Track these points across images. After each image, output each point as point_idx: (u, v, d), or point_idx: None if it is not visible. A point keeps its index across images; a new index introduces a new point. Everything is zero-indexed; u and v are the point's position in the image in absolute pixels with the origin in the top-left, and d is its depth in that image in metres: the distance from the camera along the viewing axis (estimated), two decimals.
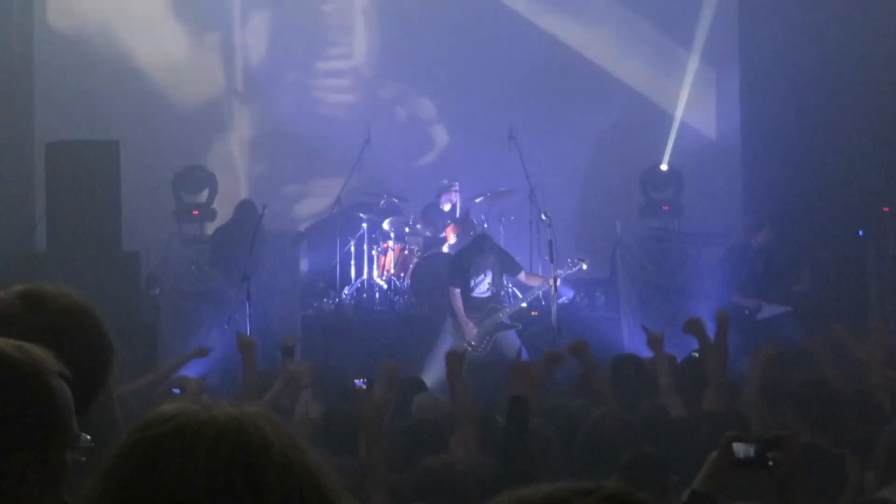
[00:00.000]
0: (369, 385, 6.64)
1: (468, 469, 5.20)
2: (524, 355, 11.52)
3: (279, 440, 1.66)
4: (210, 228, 14.09)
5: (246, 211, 12.50)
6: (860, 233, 13.34)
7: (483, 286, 11.85)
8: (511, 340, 11.75)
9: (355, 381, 6.69)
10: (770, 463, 3.37)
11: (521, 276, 12.07)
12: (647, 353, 7.55)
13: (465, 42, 15.65)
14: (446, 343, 11.56)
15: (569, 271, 11.77)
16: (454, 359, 6.68)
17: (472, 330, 11.69)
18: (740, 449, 3.37)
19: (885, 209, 13.17)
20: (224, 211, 13.93)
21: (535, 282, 12.14)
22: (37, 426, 1.95)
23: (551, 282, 11.61)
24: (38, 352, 2.01)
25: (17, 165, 13.52)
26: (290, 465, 1.65)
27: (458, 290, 11.75)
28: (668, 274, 13.28)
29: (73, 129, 12.84)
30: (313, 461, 1.68)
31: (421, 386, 8.19)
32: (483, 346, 11.69)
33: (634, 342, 11.39)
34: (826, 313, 11.90)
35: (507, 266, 11.97)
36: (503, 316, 11.83)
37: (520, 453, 4.94)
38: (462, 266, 11.90)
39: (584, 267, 11.78)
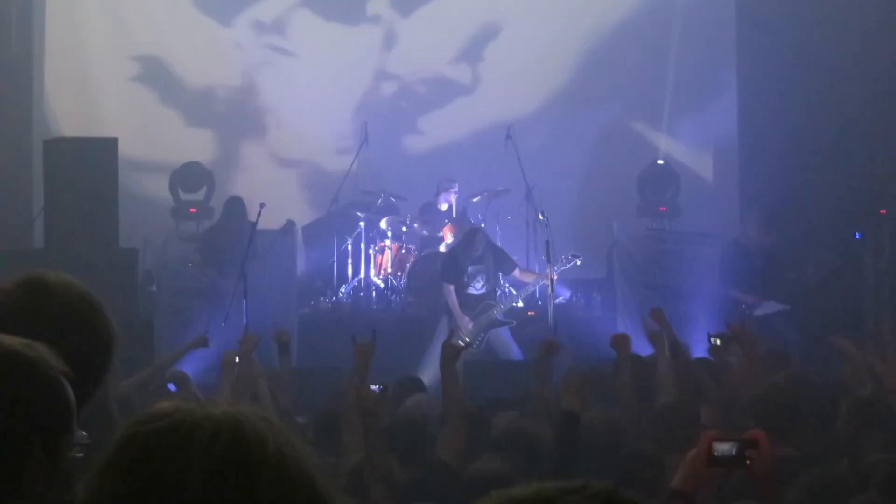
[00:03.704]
0: (384, 391, 6.55)
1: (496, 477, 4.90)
2: (517, 354, 11.52)
3: (275, 439, 1.67)
4: (208, 226, 14.08)
5: (234, 207, 12.49)
6: (857, 235, 13.34)
7: (478, 283, 11.83)
8: (505, 339, 11.74)
9: (371, 386, 6.60)
10: (748, 462, 3.40)
11: (516, 272, 12.05)
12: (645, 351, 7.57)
13: (462, 40, 15.65)
14: (441, 342, 11.54)
15: (563, 267, 11.75)
16: (449, 351, 6.58)
17: (467, 324, 11.66)
18: (720, 448, 3.39)
19: (883, 211, 13.17)
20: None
21: (529, 278, 12.11)
22: (51, 426, 1.97)
23: (547, 278, 11.58)
24: (45, 350, 2.01)
25: (15, 161, 13.51)
26: (285, 463, 1.65)
27: (451, 287, 11.73)
28: (664, 274, 13.27)
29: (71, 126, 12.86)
30: (309, 460, 1.69)
31: (419, 384, 8.18)
32: (477, 343, 11.67)
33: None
34: (822, 315, 11.91)
35: (500, 262, 11.95)
36: (497, 312, 11.81)
37: (566, 469, 4.79)
38: (455, 262, 11.87)
39: (578, 263, 11.77)
